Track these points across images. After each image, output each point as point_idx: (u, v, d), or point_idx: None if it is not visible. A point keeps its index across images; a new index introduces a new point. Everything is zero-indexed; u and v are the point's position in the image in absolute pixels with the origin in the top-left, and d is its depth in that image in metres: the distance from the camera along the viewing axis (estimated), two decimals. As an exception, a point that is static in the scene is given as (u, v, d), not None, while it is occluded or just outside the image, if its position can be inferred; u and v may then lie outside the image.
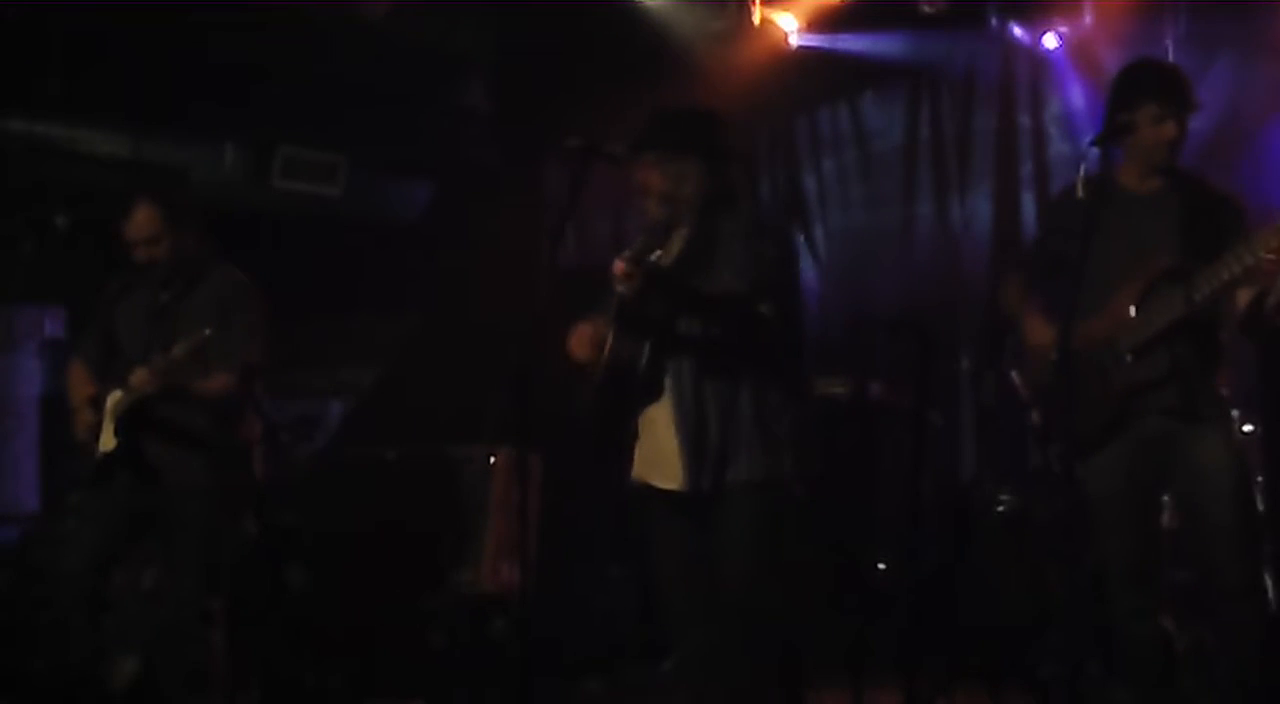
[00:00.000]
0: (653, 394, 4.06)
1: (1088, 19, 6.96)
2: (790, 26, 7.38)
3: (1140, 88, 4.23)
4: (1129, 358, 4.16)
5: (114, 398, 4.93)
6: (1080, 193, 4.01)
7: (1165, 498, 4.47)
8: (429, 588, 6.33)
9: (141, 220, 5.01)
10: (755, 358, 4.04)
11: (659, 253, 3.98)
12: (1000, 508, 6.05)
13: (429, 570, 6.39)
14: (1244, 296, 4.11)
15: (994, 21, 7.12)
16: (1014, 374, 6.09)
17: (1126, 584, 4.28)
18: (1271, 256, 3.90)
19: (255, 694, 5.61)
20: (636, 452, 4.15)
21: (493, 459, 6.47)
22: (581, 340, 4.14)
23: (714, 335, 4.03)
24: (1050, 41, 7.10)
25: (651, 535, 4.14)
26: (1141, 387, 4.15)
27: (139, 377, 4.82)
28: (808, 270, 7.92)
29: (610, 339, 4.06)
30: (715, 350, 4.02)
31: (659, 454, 4.07)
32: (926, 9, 6.87)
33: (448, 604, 6.26)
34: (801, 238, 7.92)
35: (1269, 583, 5.19)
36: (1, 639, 5.87)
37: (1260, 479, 5.27)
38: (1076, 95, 7.09)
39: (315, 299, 7.31)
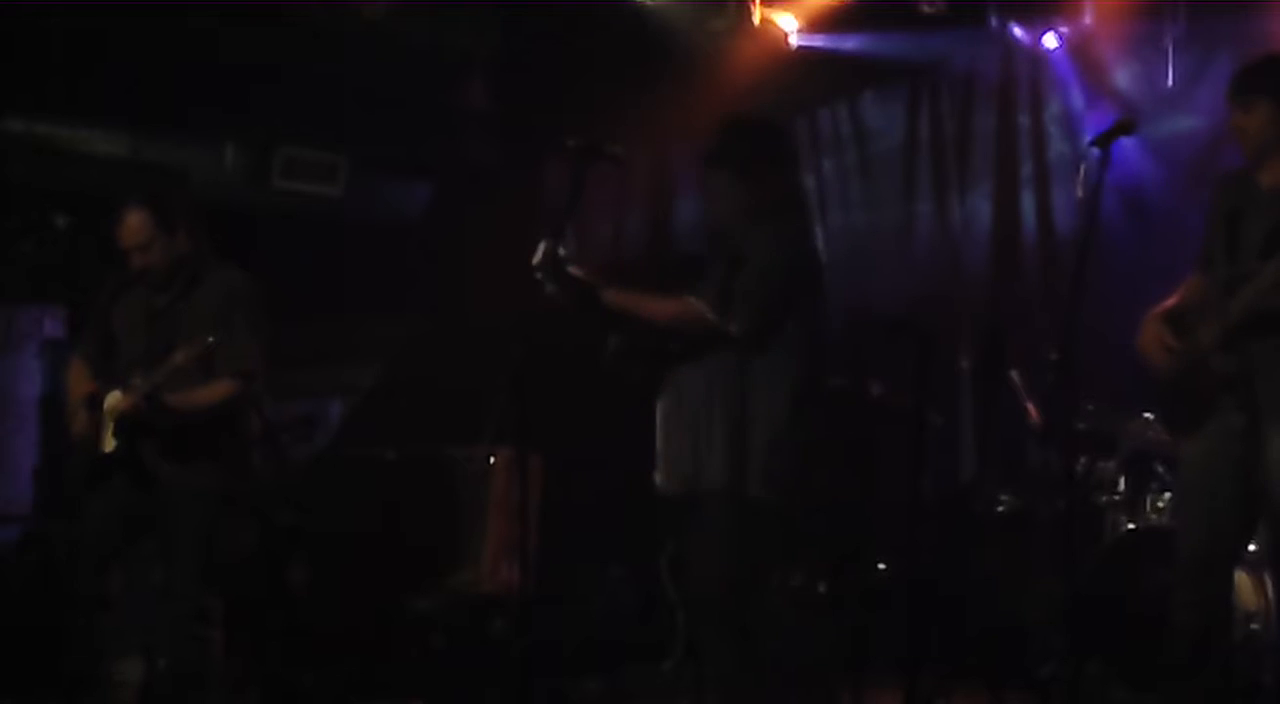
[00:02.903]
0: (651, 391, 4.10)
1: (1088, 19, 6.96)
2: (790, 26, 7.38)
3: (1232, 85, 4.29)
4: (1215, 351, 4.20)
5: (113, 398, 4.91)
6: (1079, 191, 4.02)
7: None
8: (429, 588, 6.33)
9: (133, 226, 4.97)
10: (721, 369, 4.03)
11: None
12: (1000, 508, 6.06)
13: (429, 570, 6.39)
14: None
15: (994, 21, 7.12)
16: (1013, 374, 6.13)
17: (1186, 575, 4.30)
18: None
19: (255, 694, 5.61)
20: None
21: (493, 459, 6.47)
22: None
23: (658, 345, 4.07)
24: (1050, 41, 7.10)
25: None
26: (1225, 381, 4.18)
27: (132, 392, 4.80)
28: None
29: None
30: (666, 360, 4.06)
31: (659, 450, 4.13)
32: (926, 9, 6.87)
33: (448, 604, 6.26)
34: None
35: (1269, 581, 5.21)
36: (1, 639, 5.87)
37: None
38: (1076, 95, 7.09)
39: (315, 299, 7.30)
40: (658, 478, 4.16)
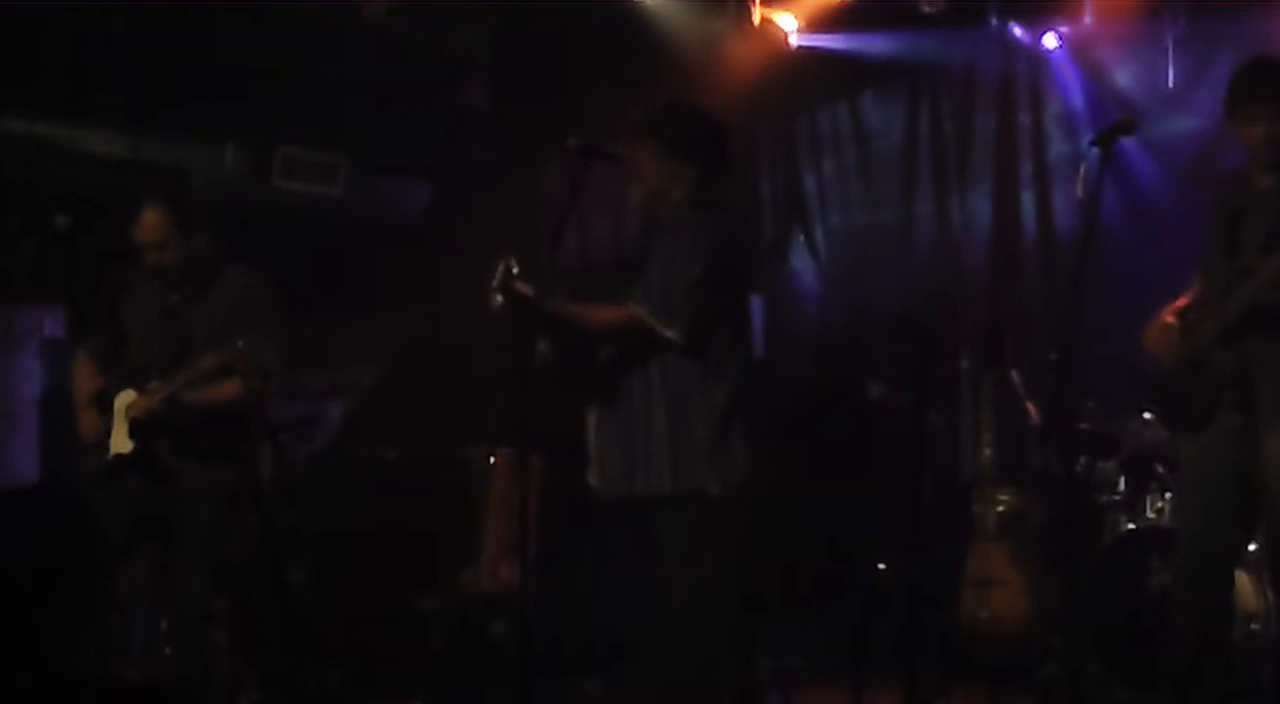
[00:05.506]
0: (588, 393, 4.13)
1: (1088, 19, 6.97)
2: (790, 26, 7.38)
3: (1237, 88, 4.25)
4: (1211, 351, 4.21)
5: (126, 398, 4.89)
6: (1079, 191, 4.03)
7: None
8: (429, 588, 6.33)
9: (150, 224, 4.96)
10: (659, 373, 4.02)
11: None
12: (1000, 508, 6.06)
13: (429, 570, 6.39)
14: None
15: (994, 21, 7.13)
16: (1013, 374, 6.13)
17: (1186, 575, 4.32)
18: None
19: (255, 694, 5.60)
20: None
21: (493, 459, 6.47)
22: None
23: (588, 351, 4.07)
24: (1050, 41, 7.11)
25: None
26: (1222, 381, 4.19)
27: (151, 395, 4.79)
28: (805, 271, 7.92)
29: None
30: (600, 366, 4.07)
31: (592, 453, 4.14)
32: (926, 9, 6.87)
33: (448, 604, 6.26)
34: (801, 237, 7.94)
35: (1269, 581, 5.21)
36: (2, 639, 5.86)
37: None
38: (1076, 95, 7.10)
39: (315, 299, 7.29)
40: (591, 479, 4.14)
